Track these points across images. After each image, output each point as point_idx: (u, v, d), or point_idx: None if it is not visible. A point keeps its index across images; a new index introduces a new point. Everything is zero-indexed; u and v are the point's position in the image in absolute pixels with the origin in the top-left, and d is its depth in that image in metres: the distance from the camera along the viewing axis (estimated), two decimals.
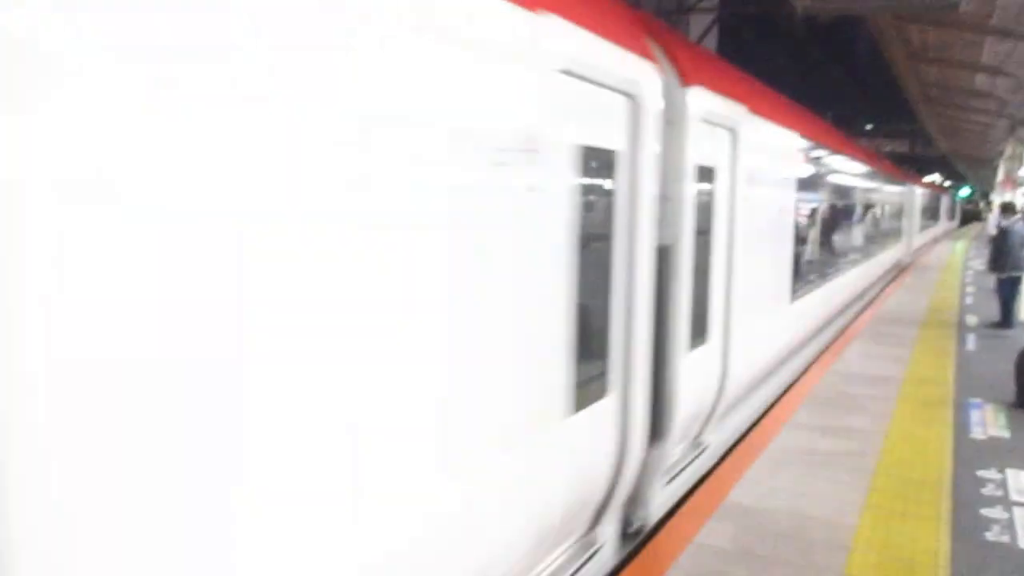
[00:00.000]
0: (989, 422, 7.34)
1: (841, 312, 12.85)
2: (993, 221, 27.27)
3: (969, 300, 16.03)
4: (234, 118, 1.90)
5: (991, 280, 13.59)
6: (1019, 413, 7.63)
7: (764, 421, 7.25)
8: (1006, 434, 6.99)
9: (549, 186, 3.44)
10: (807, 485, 5.60)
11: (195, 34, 1.79)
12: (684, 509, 5.21)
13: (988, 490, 5.63)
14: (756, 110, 6.78)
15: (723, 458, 6.39)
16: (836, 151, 11.54)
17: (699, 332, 5.66)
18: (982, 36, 17.21)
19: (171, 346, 1.78)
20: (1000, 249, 12.73)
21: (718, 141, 5.91)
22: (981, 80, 23.33)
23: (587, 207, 3.95)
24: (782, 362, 8.73)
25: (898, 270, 22.93)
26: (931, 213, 36.93)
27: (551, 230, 3.49)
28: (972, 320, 13.32)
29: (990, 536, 4.88)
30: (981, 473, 5.96)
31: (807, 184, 9.46)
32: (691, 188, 5.25)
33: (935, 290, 17.88)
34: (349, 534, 2.37)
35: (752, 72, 7.67)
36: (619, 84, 4.11)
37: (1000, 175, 39.42)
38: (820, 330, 11.11)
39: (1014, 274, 12.50)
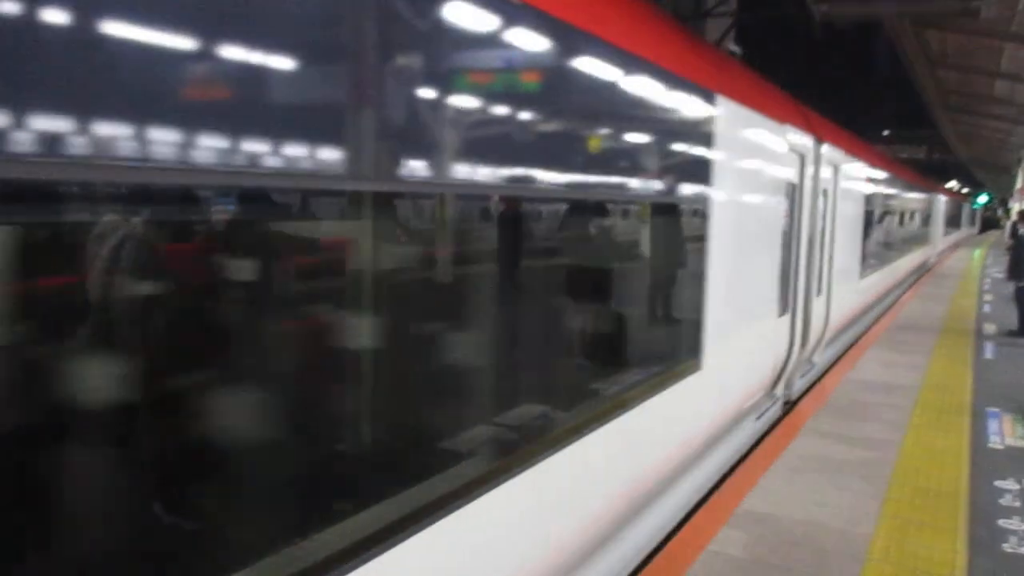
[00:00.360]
0: (1007, 432, 7.26)
1: (884, 296, 16.63)
2: (1008, 229, 27.08)
3: (987, 308, 15.88)
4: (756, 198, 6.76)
5: (1010, 288, 13.46)
6: None
7: (777, 429, 7.22)
8: None
9: (782, 202, 7.45)
10: (822, 494, 5.56)
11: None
12: (698, 516, 5.18)
13: (1006, 501, 5.57)
14: (848, 151, 10.79)
15: (736, 465, 6.36)
16: (887, 172, 15.64)
17: (818, 288, 9.27)
18: (1002, 42, 17.08)
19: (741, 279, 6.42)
20: (1018, 257, 12.60)
21: (830, 173, 9.58)
22: (1000, 87, 23.16)
23: (782, 214, 7.55)
24: (851, 322, 12.55)
25: (923, 271, 25.28)
26: (953, 220, 39.67)
27: (782, 225, 7.51)
28: (990, 328, 13.18)
29: (1007, 548, 4.82)
30: (999, 483, 5.89)
31: (870, 198, 13.27)
32: (820, 203, 9.06)
33: (953, 298, 17.72)
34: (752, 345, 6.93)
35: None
36: (799, 149, 7.95)
37: (1019, 182, 39.09)
38: (872, 306, 14.89)
39: None
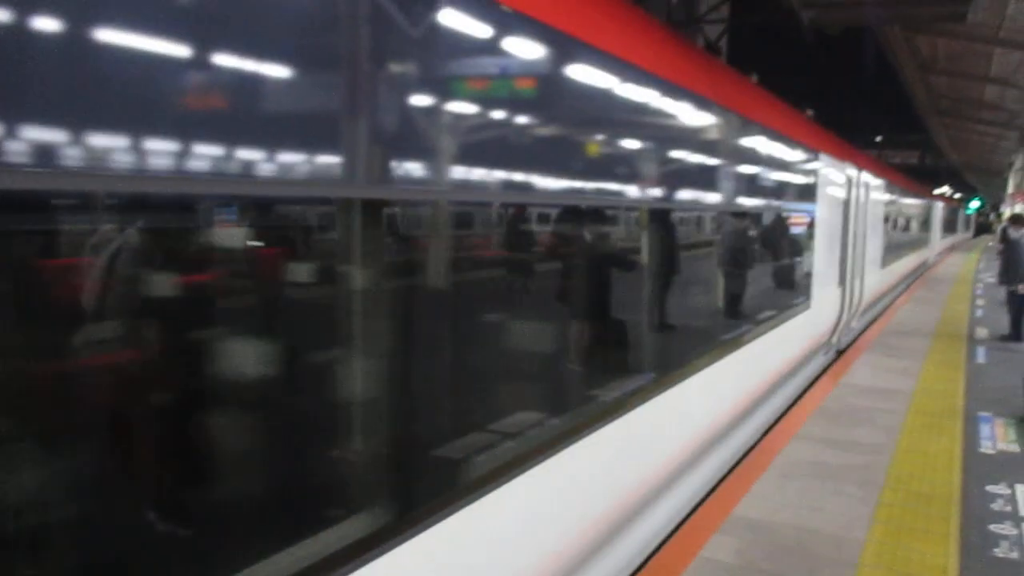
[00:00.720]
0: (999, 436, 7.27)
1: (897, 284, 20.31)
2: (999, 233, 27.21)
3: (979, 313, 15.92)
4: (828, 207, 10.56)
5: (1002, 293, 13.49)
6: None
7: (771, 434, 7.22)
8: (1016, 448, 6.93)
9: (840, 212, 11.23)
10: (814, 499, 5.56)
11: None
12: (690, 522, 5.18)
13: (997, 505, 5.57)
14: (874, 173, 14.75)
15: (729, 471, 6.35)
16: (900, 186, 20.00)
17: (856, 272, 12.62)
18: (991, 47, 17.17)
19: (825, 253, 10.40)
20: (1009, 261, 12.64)
21: (864, 189, 13.12)
22: (991, 91, 23.28)
23: (841, 218, 11.23)
24: (874, 301, 15.86)
25: (925, 268, 28.24)
26: (950, 225, 43.26)
27: (841, 226, 11.19)
28: (982, 333, 13.22)
29: (999, 552, 4.82)
30: (990, 488, 5.90)
31: (889, 206, 17.28)
32: (859, 212, 12.59)
33: (945, 302, 17.78)
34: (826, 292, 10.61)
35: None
36: (849, 176, 11.60)
37: (1010, 187, 39.28)
38: (889, 291, 18.54)
39: None
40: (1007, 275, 12.69)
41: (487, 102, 3.20)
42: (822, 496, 5.62)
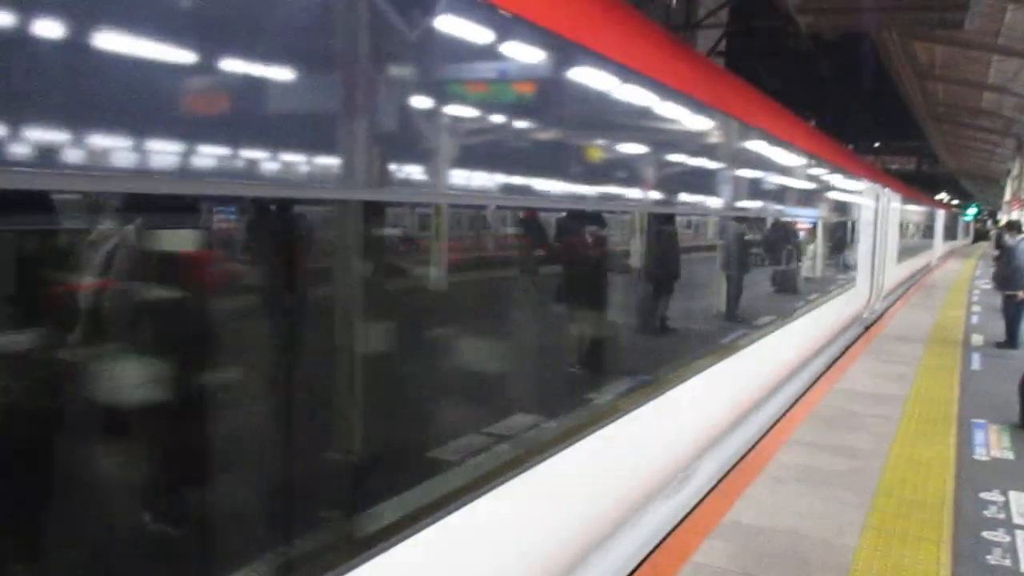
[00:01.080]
0: (993, 443, 7.26)
1: (906, 280, 23.24)
2: (994, 240, 27.27)
3: (975, 319, 15.93)
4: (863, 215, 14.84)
5: (997, 299, 13.50)
6: (1023, 434, 7.55)
7: (765, 440, 7.21)
8: (1010, 455, 6.92)
9: (873, 218, 15.50)
10: (807, 504, 5.55)
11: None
12: (683, 527, 5.16)
13: (990, 512, 5.56)
14: (895, 189, 18.54)
15: (723, 478, 6.35)
16: (912, 198, 23.65)
17: (880, 266, 16.16)
18: (988, 54, 17.20)
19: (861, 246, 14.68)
20: (1005, 267, 12.64)
21: (885, 200, 16.72)
22: (988, 99, 23.31)
23: (874, 224, 15.61)
24: (890, 292, 18.88)
25: (928, 269, 30.62)
26: (950, 231, 46.33)
27: (873, 229, 15.50)
28: (978, 339, 13.22)
29: (991, 559, 4.81)
30: (983, 495, 5.88)
31: (904, 214, 20.99)
32: (884, 219, 16.78)
33: (941, 308, 17.79)
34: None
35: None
36: (879, 193, 16.18)
37: (1007, 194, 39.33)
38: (901, 283, 21.86)
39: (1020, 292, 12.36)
40: (1002, 280, 12.70)
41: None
42: (815, 501, 5.60)
